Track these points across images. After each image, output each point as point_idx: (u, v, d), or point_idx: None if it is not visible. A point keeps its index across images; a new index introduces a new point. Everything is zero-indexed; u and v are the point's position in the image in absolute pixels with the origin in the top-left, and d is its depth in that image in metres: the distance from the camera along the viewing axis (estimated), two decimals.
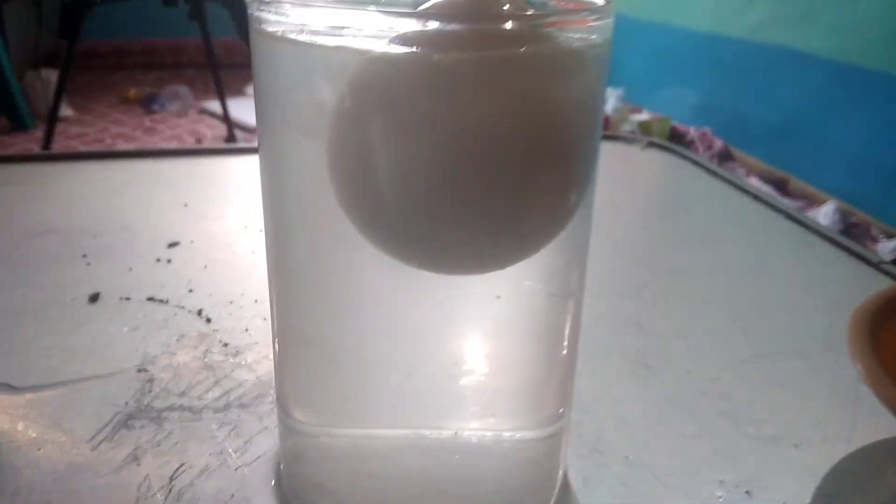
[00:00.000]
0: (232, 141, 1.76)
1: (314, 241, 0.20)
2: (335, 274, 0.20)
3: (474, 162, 0.17)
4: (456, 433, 0.21)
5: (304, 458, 0.23)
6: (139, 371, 0.29)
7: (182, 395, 0.28)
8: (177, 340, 0.31)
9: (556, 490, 0.23)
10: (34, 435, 0.25)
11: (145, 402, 0.27)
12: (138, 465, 0.24)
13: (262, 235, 0.21)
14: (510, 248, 0.19)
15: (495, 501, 0.22)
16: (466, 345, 0.20)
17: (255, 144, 0.21)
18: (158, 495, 0.23)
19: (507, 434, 0.21)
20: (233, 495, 0.23)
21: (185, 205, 0.46)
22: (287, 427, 0.23)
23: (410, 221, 0.18)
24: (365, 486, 0.22)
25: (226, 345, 0.31)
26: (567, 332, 0.21)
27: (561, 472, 0.24)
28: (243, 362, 0.30)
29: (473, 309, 0.20)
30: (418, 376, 0.20)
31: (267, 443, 0.25)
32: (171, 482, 0.23)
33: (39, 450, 0.25)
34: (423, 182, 0.17)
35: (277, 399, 0.23)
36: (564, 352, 0.21)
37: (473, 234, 0.18)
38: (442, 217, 0.18)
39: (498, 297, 0.19)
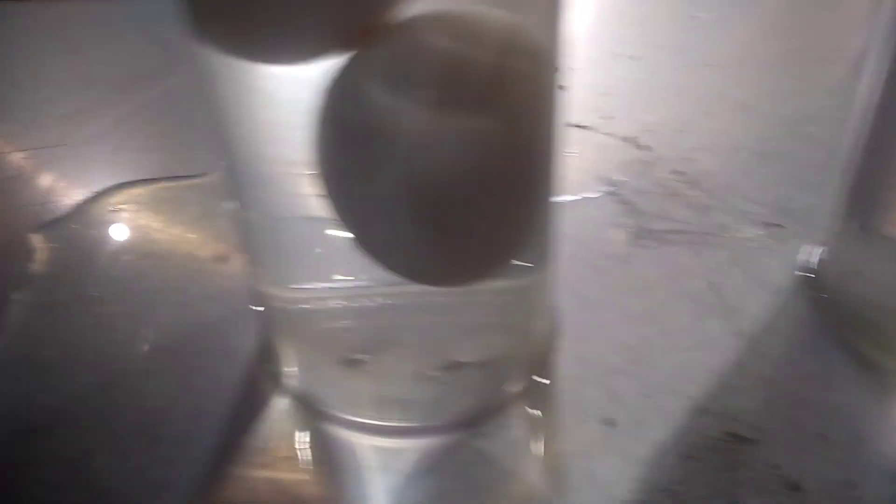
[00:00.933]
0: None
1: None
2: None
3: None
4: None
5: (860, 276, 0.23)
6: (610, 194, 0.30)
7: (669, 219, 0.28)
8: (626, 166, 0.32)
9: None
10: None
11: (641, 224, 0.28)
12: (675, 282, 0.25)
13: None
14: None
15: None
16: None
17: None
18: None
19: None
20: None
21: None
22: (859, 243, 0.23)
23: None
24: None
25: (680, 172, 0.31)
26: None
27: None
28: (705, 188, 0.30)
29: None
30: None
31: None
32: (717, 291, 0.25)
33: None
34: None
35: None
36: None
37: None
38: None
39: None
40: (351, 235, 0.17)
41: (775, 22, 0.46)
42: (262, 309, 0.21)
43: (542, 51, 0.17)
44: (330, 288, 0.20)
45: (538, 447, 0.20)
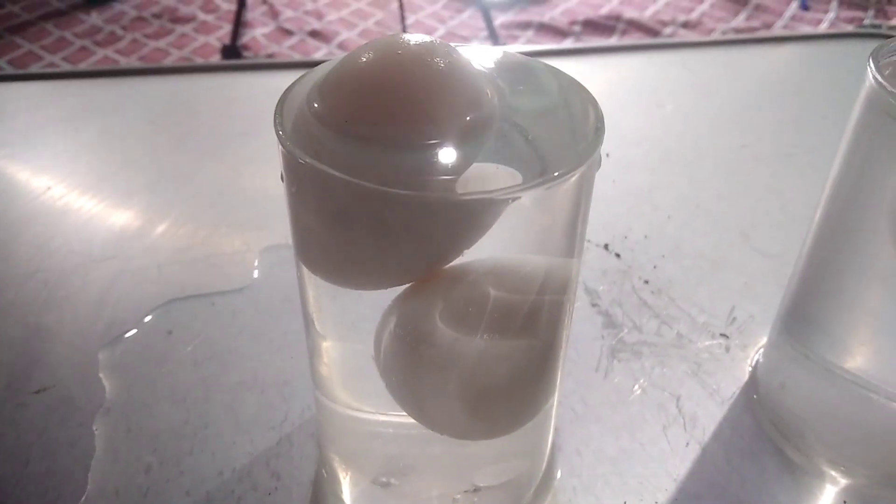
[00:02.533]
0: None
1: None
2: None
3: None
4: None
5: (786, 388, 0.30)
6: (593, 305, 0.36)
7: (639, 331, 0.35)
8: (604, 275, 0.38)
9: None
10: None
11: (618, 337, 0.35)
12: (645, 394, 0.32)
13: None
14: None
15: None
16: None
17: None
18: (678, 424, 0.31)
19: None
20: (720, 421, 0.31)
21: None
22: (787, 359, 0.30)
23: None
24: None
25: (646, 282, 0.38)
26: None
27: None
28: (668, 297, 0.37)
29: None
30: None
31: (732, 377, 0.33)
32: (679, 410, 0.31)
33: None
34: None
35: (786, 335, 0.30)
36: None
37: None
38: None
39: None
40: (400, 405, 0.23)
41: (722, 117, 0.53)
42: (319, 429, 0.27)
43: (569, 283, 0.23)
44: (371, 415, 0.25)
45: None
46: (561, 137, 0.21)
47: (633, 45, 0.60)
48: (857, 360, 0.28)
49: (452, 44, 0.21)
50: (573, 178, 0.20)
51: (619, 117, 0.51)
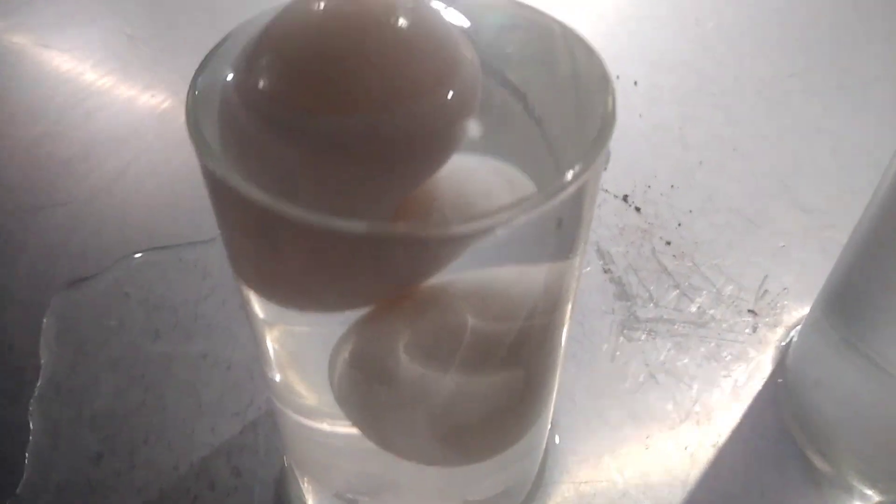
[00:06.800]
0: None
1: None
2: None
3: None
4: None
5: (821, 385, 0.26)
6: (605, 272, 0.32)
7: (656, 304, 0.31)
8: (619, 234, 0.34)
9: None
10: None
11: (630, 310, 0.31)
12: (656, 383, 0.28)
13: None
14: None
15: None
16: None
17: None
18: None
19: None
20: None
21: None
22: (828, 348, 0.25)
23: None
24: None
25: (668, 243, 0.33)
26: None
27: None
28: (692, 263, 0.32)
29: None
30: None
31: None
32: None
33: None
34: None
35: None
36: None
37: None
38: None
39: None
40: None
41: (770, 37, 0.46)
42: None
43: (567, 295, 0.18)
44: (331, 426, 0.22)
45: None
46: (567, 110, 0.17)
47: None
48: None
49: None
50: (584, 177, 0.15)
51: (650, 36, 0.45)
